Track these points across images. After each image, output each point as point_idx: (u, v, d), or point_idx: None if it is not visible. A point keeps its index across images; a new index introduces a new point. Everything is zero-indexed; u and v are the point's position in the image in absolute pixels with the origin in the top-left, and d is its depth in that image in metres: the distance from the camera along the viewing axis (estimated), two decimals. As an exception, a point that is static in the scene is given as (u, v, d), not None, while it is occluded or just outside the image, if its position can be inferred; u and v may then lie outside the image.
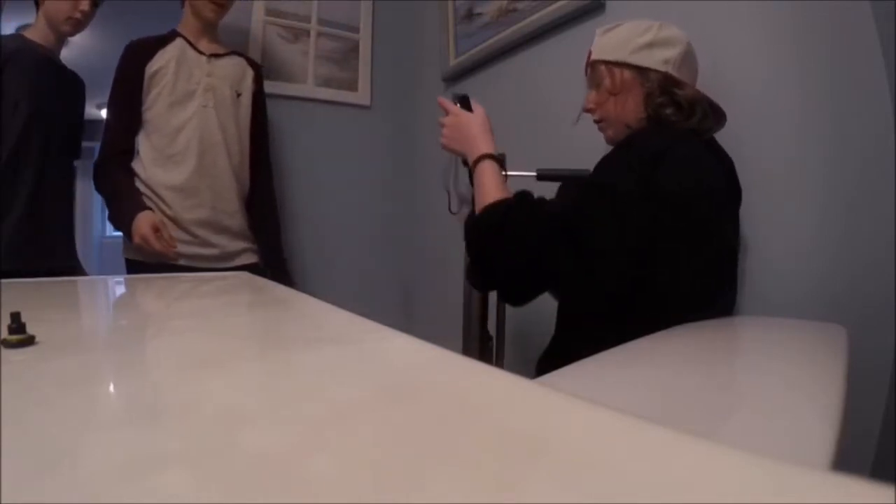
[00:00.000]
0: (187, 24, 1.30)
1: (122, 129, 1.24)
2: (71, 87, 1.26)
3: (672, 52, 0.73)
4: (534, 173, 0.93)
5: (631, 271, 0.61)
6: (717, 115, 0.76)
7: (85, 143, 1.33)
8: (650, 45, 0.74)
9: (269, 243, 1.41)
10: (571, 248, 0.61)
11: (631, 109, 0.76)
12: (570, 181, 0.66)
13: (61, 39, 1.21)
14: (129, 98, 1.23)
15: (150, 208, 1.19)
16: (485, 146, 0.77)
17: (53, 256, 1.18)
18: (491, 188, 0.72)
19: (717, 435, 0.16)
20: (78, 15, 1.16)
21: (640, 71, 0.74)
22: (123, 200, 1.20)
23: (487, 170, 0.75)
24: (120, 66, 1.25)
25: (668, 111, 0.72)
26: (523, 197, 0.68)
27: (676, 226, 0.63)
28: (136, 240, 1.14)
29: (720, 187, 0.71)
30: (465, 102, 0.84)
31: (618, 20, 1.08)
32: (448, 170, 0.95)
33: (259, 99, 1.41)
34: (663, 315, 0.60)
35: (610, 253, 0.61)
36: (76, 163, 1.32)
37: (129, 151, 1.25)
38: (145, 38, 1.27)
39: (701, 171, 0.68)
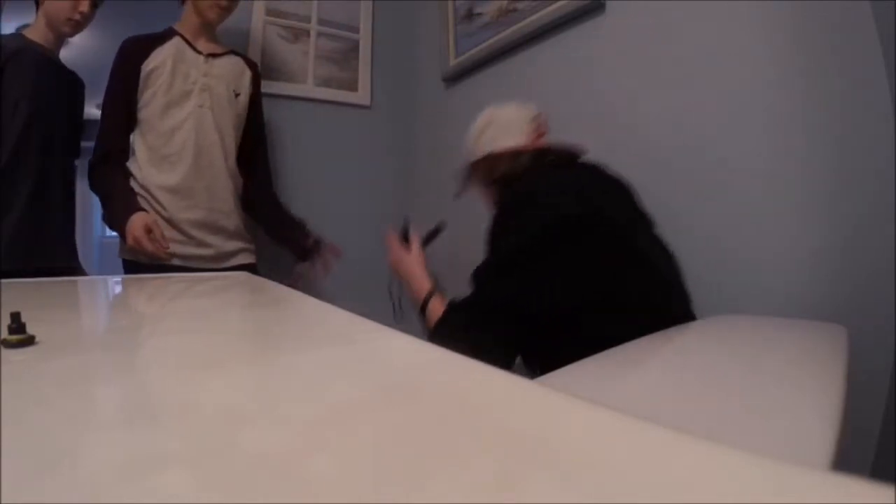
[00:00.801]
0: (186, 22, 1.29)
1: (117, 128, 1.23)
2: (71, 87, 1.25)
3: (487, 136, 0.90)
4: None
5: (573, 303, 0.67)
6: (565, 150, 0.87)
7: (85, 143, 1.33)
8: (476, 140, 0.91)
9: (293, 228, 1.43)
10: (516, 321, 0.68)
11: (483, 191, 0.94)
12: (480, 267, 0.75)
13: (61, 39, 1.21)
14: (124, 96, 1.22)
15: (144, 209, 1.19)
16: (426, 284, 0.87)
17: (54, 256, 1.17)
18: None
19: (717, 435, 0.16)
20: (77, 16, 1.16)
21: (478, 161, 0.92)
22: (118, 201, 1.20)
23: (436, 304, 0.82)
24: (115, 64, 1.24)
25: (500, 172, 0.87)
26: (451, 309, 0.77)
27: (589, 247, 0.69)
28: (130, 241, 1.14)
29: (597, 200, 0.75)
30: (405, 234, 1.01)
31: (618, 20, 1.08)
32: (393, 278, 1.05)
33: (257, 99, 1.40)
34: (613, 330, 0.61)
35: (548, 303, 0.67)
36: (76, 162, 1.32)
37: (124, 150, 1.24)
38: (141, 36, 1.26)
39: (576, 190, 0.75)
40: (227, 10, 1.29)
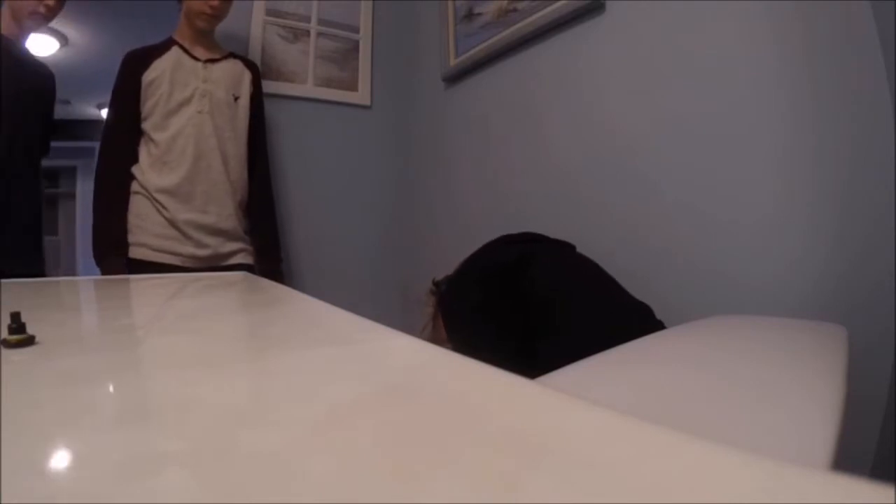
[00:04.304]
0: (183, 31, 1.31)
1: (121, 140, 1.25)
2: (37, 80, 1.19)
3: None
4: None
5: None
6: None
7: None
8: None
9: (266, 243, 1.42)
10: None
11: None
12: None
13: (26, 31, 1.16)
14: (127, 109, 1.24)
15: (124, 252, 1.22)
16: None
17: (15, 263, 1.08)
18: None
19: (717, 435, 0.16)
20: (42, 10, 1.11)
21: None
22: (103, 235, 1.22)
23: None
24: (117, 79, 1.25)
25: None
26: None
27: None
28: (102, 270, 1.19)
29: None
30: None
31: (618, 20, 1.08)
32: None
33: (257, 100, 1.41)
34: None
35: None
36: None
37: (127, 162, 1.26)
38: (141, 49, 1.28)
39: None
40: (216, 18, 1.30)
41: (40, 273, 1.20)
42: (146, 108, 1.24)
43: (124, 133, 1.25)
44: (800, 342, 0.58)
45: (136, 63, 1.24)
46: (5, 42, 1.10)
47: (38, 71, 1.20)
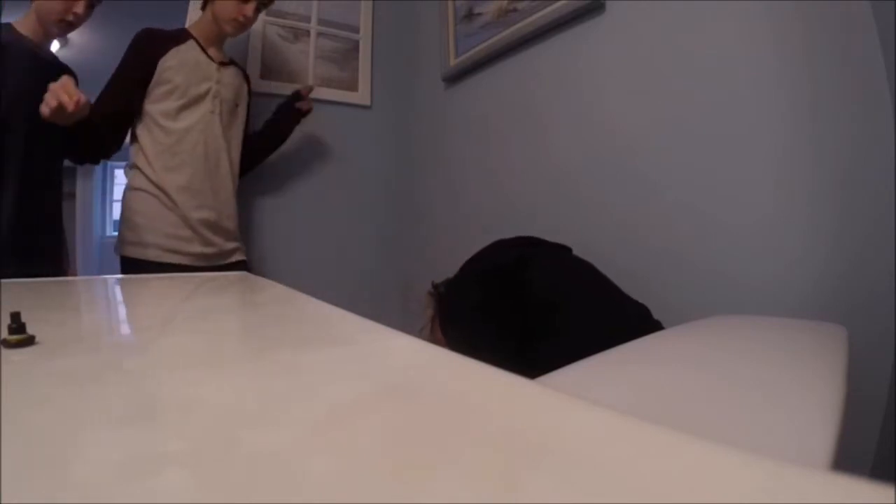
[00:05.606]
0: (202, 28, 1.31)
1: (115, 105, 1.20)
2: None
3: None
4: None
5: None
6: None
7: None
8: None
9: (283, 110, 1.51)
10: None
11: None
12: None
13: (51, 37, 1.17)
14: (133, 84, 1.22)
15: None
16: None
17: (40, 264, 1.10)
18: None
19: (717, 435, 0.16)
20: (70, 17, 1.12)
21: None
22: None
23: None
24: (133, 51, 1.23)
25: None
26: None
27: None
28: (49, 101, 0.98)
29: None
30: None
31: (618, 20, 1.08)
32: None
33: (250, 111, 1.47)
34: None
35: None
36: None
37: (125, 109, 1.23)
38: (160, 30, 1.27)
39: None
40: (244, 27, 1.32)
41: (61, 272, 1.20)
42: (158, 91, 1.23)
43: (123, 103, 1.20)
44: (800, 342, 0.57)
45: (156, 43, 1.24)
46: (31, 45, 1.12)
47: (62, 73, 1.17)
